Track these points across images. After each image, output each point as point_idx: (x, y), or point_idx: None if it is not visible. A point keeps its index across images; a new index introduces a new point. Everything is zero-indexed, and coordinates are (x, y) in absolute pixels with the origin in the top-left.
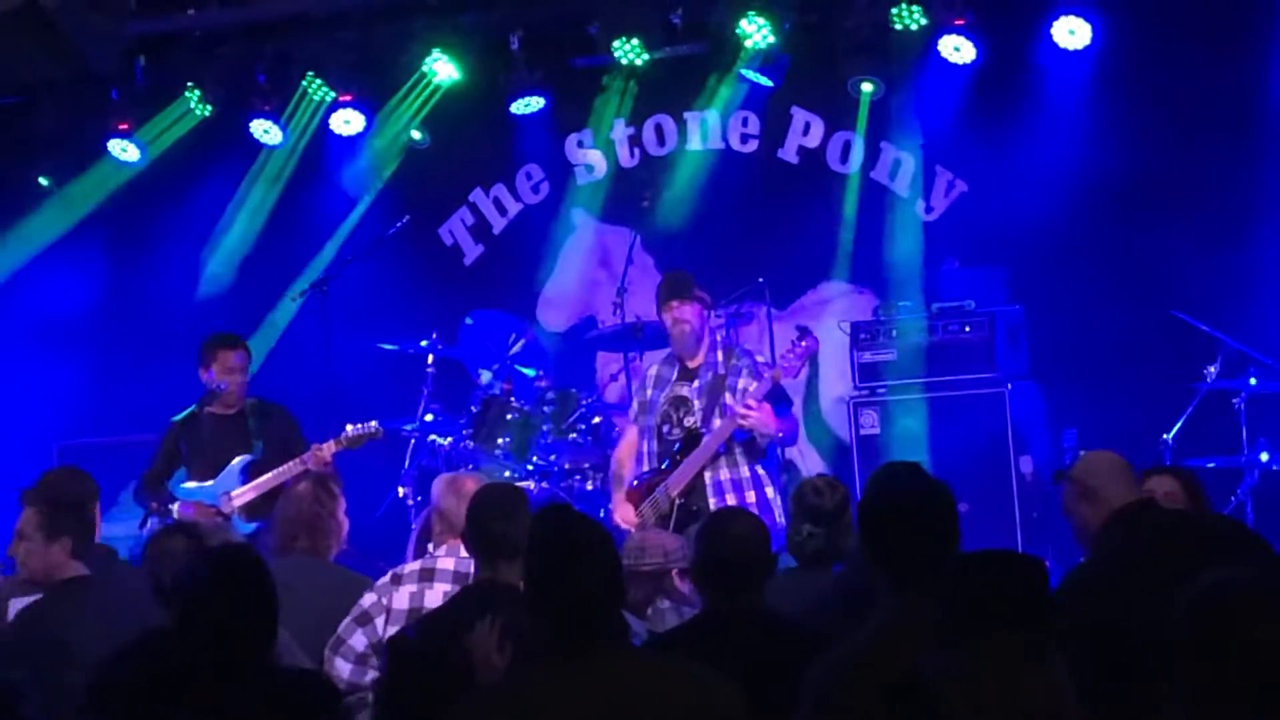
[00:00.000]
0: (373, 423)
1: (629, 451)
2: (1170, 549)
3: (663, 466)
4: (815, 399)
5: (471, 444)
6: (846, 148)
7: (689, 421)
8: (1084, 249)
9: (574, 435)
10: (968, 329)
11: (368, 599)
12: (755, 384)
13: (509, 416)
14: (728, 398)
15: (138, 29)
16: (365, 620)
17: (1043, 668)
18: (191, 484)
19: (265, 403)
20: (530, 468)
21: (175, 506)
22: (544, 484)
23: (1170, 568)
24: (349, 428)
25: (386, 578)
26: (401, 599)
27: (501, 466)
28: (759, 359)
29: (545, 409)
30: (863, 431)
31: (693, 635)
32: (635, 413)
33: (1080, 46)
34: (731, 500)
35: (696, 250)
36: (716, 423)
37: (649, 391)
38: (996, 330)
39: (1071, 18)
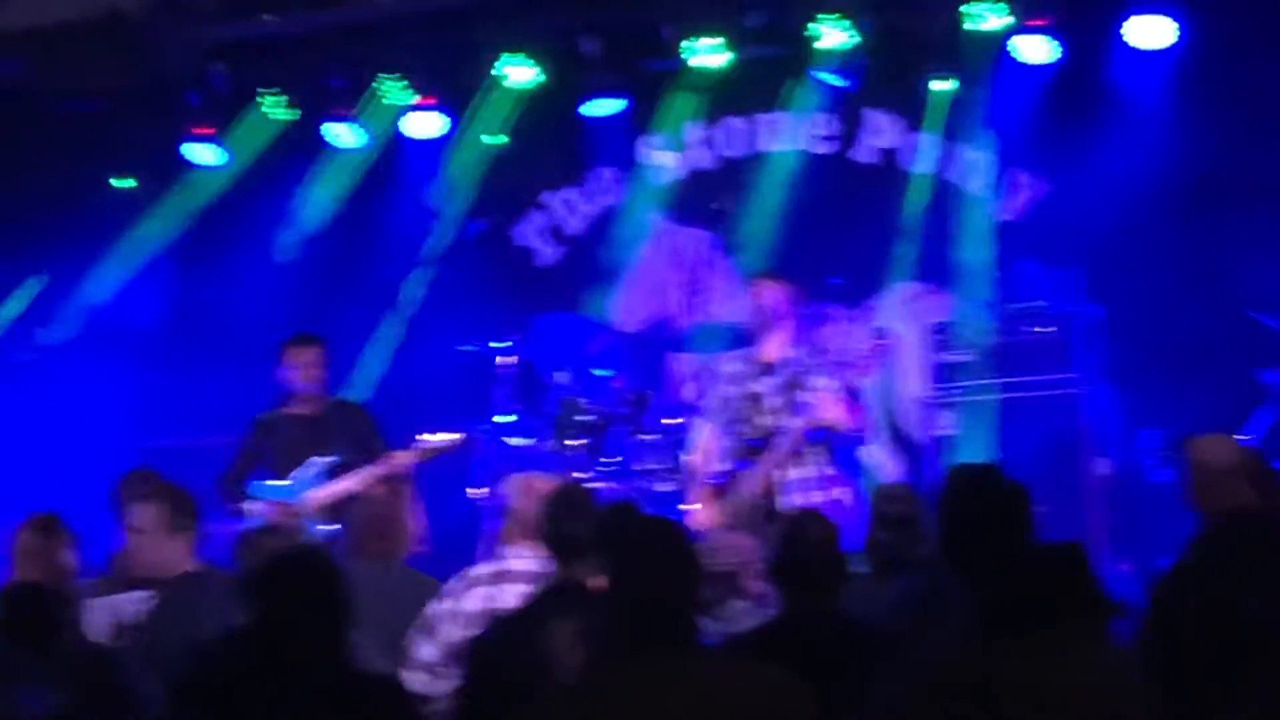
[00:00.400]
0: (455, 433)
1: (705, 450)
2: (1265, 554)
3: (738, 466)
4: (891, 399)
5: (547, 445)
6: (921, 148)
7: (763, 420)
8: (1161, 249)
9: (649, 436)
10: (1044, 330)
11: (433, 607)
12: (830, 382)
13: (583, 418)
14: (801, 395)
15: (215, 34)
16: (431, 630)
17: (1101, 652)
18: (271, 483)
19: (346, 403)
20: (605, 469)
21: (254, 506)
22: (618, 484)
23: (1262, 574)
24: (427, 438)
25: (458, 581)
26: (474, 601)
27: (576, 467)
28: (834, 358)
29: (620, 410)
30: (939, 432)
31: (768, 636)
32: (710, 409)
33: (1158, 47)
34: (805, 499)
35: (771, 251)
36: (791, 421)
37: (724, 387)
38: (1073, 331)
39: (1149, 17)
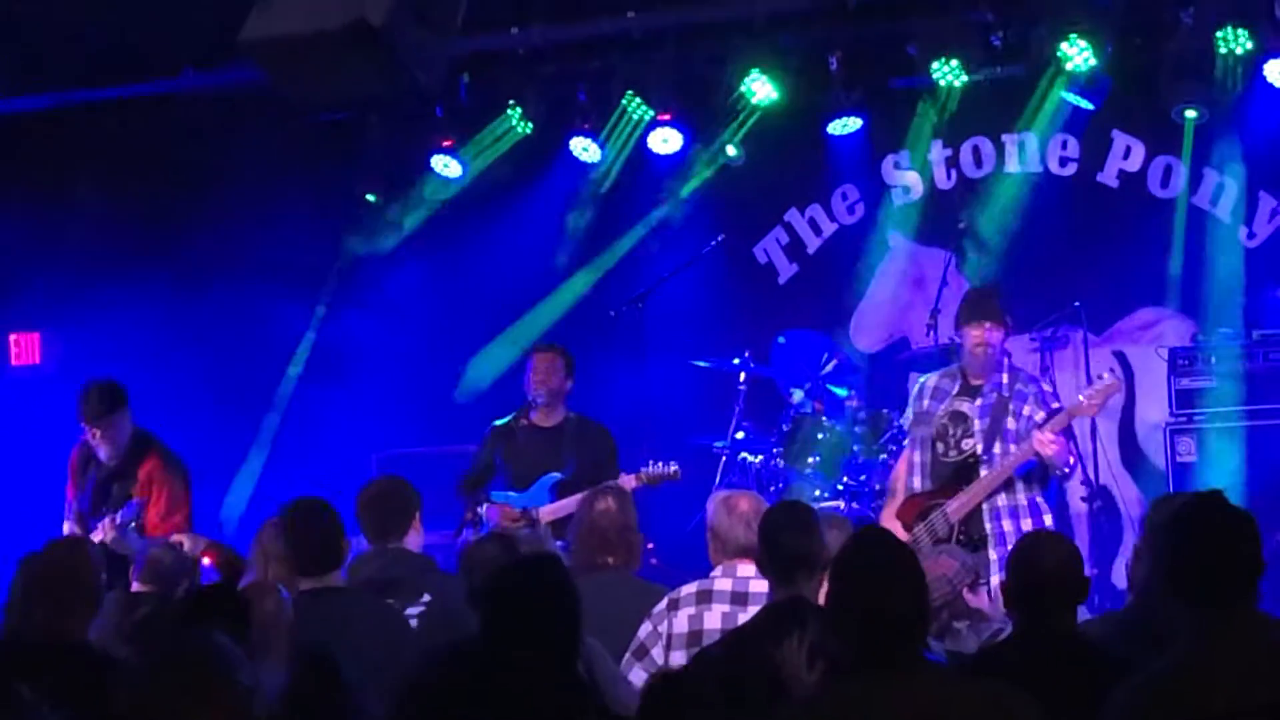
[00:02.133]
0: (673, 465)
1: (906, 468)
2: None
3: (934, 486)
4: (1131, 425)
5: (782, 462)
6: (1168, 172)
7: (967, 444)
8: None
9: (885, 456)
10: None
11: (644, 630)
12: (1041, 412)
13: (820, 436)
14: (1010, 423)
15: (463, 47)
16: (642, 653)
17: None
18: (504, 492)
19: (585, 421)
20: (840, 487)
21: (484, 509)
22: (854, 504)
23: None
24: (650, 465)
25: (663, 603)
26: (680, 623)
27: (811, 485)
28: (1045, 388)
29: (856, 429)
30: (1179, 459)
31: (1001, 657)
32: (910, 422)
33: None
34: (1008, 527)
35: (1012, 273)
36: (997, 447)
37: (926, 402)
38: None
39: None
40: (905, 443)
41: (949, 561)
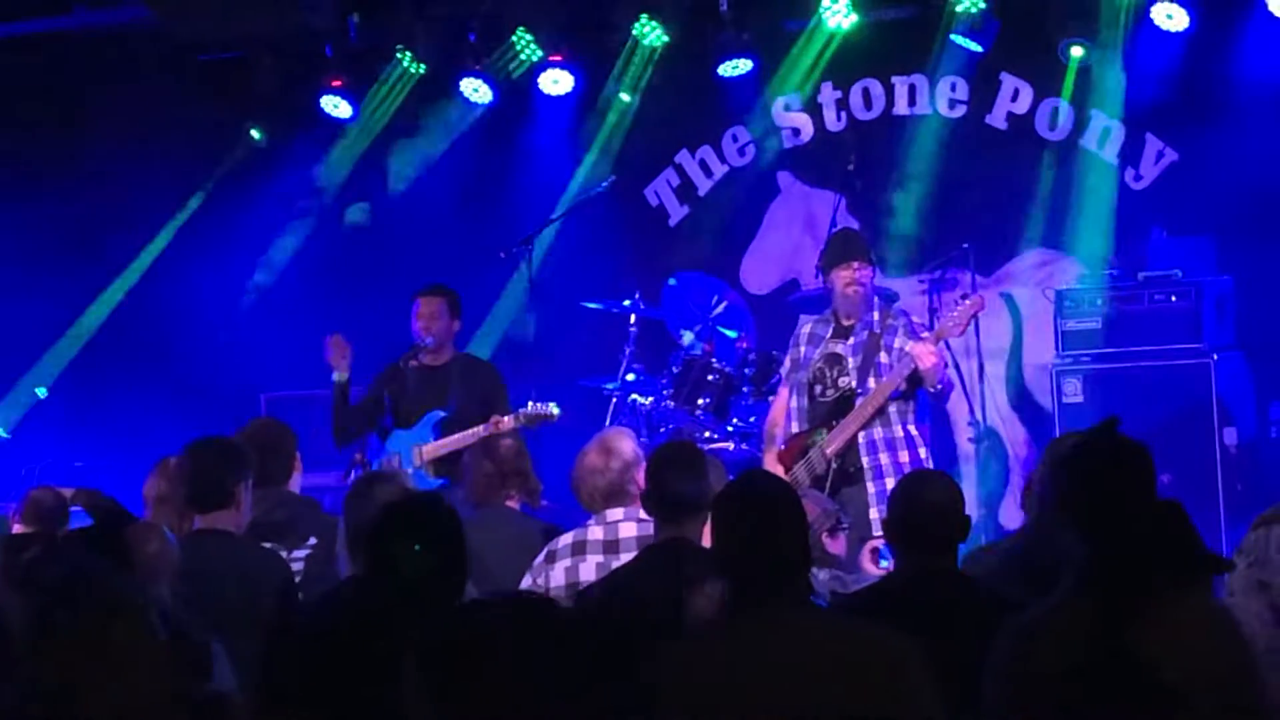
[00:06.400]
0: (552, 405)
1: (782, 411)
2: None
3: (815, 427)
4: (1018, 366)
5: (672, 404)
6: (1055, 114)
7: (844, 381)
8: None
9: (774, 398)
10: (1174, 298)
11: (524, 583)
12: (912, 343)
13: (710, 378)
14: (883, 357)
15: None
16: None
17: (1205, 604)
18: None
19: (473, 359)
20: (730, 429)
21: (363, 455)
22: (744, 445)
23: None
24: (529, 405)
25: (541, 556)
26: (558, 576)
27: (701, 427)
28: (915, 319)
29: (746, 371)
30: (1065, 399)
31: (884, 595)
32: (788, 370)
33: None
34: (884, 459)
35: (901, 215)
36: (871, 382)
37: (802, 349)
38: (1203, 300)
39: None
40: (780, 389)
41: (811, 506)
